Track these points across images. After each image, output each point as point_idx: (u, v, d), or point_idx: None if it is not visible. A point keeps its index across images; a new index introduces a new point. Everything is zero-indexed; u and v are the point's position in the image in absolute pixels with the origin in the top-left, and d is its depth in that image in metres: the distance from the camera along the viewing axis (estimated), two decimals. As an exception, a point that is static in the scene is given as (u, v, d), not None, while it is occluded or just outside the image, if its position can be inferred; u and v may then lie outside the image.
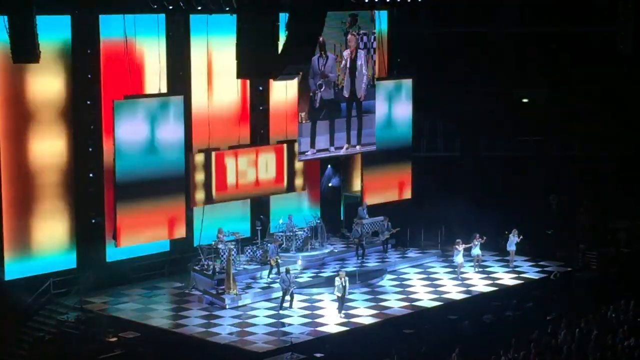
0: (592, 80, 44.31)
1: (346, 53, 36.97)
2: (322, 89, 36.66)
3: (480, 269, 35.34)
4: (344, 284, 30.99)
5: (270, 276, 34.21)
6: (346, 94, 37.26)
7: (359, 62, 37.43)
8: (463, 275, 34.92)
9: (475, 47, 43.82)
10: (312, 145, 36.82)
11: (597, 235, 38.10)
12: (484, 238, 35.23)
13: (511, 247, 35.83)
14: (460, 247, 34.52)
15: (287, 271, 32.08)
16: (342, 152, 37.88)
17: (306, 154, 36.78)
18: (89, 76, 32.80)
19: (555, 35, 44.32)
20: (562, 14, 43.04)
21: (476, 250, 35.05)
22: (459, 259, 34.62)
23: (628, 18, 39.29)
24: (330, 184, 40.12)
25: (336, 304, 31.48)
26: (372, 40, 37.90)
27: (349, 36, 37.00)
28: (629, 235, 38.18)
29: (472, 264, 35.28)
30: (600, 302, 30.34)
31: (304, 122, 36.48)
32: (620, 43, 39.52)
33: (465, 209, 38.82)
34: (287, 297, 31.75)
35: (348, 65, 37.18)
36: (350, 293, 31.90)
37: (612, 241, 37.84)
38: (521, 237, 35.72)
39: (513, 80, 44.54)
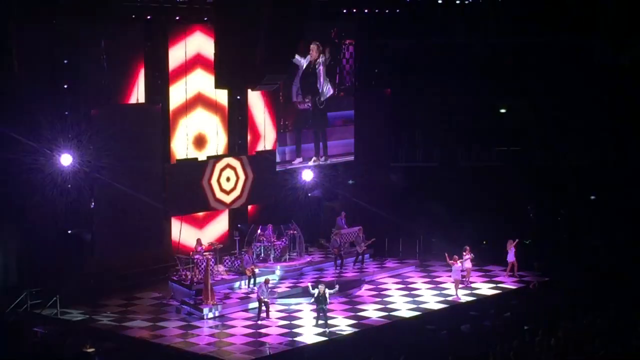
0: (570, 90, 44.47)
1: (303, 61, 36.87)
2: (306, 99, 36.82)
3: (467, 284, 35.06)
4: (321, 294, 30.88)
5: (250, 286, 34.19)
6: (308, 104, 37.21)
7: (318, 73, 37.36)
8: (442, 286, 35.02)
9: (454, 58, 43.88)
10: (298, 154, 36.92)
11: (574, 245, 38.19)
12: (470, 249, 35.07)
13: (511, 258, 35.80)
14: (458, 264, 34.15)
15: (266, 282, 32.07)
16: (310, 163, 37.88)
17: (293, 163, 36.85)
18: (65, 87, 32.69)
19: (533, 45, 44.44)
20: (540, 25, 43.15)
21: (466, 264, 34.90)
22: (456, 275, 34.14)
23: (607, 27, 39.54)
24: (310, 194, 40.16)
25: (314, 315, 31.44)
26: (350, 51, 38.02)
27: (312, 45, 37.04)
28: (607, 245, 38.29)
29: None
30: (577, 312, 30.42)
31: (289, 130, 36.55)
32: (600, 52, 39.77)
33: (444, 220, 38.94)
34: (263, 308, 31.74)
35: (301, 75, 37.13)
36: (329, 303, 31.79)
37: (589, 251, 37.95)
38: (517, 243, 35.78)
39: (491, 90, 44.63)
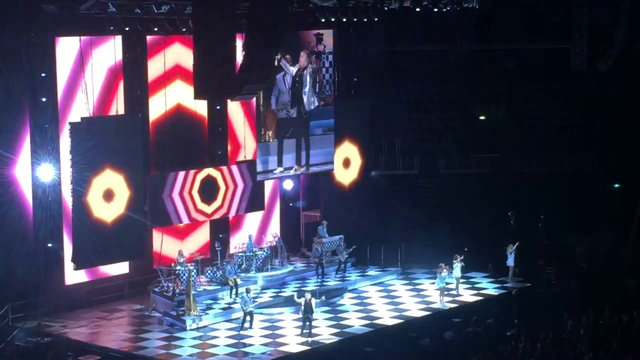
0: (548, 96, 44.67)
1: (292, 69, 36.87)
2: (290, 108, 36.77)
3: (457, 291, 34.99)
4: (306, 304, 30.81)
5: (232, 296, 34.13)
6: (293, 112, 37.20)
7: (305, 80, 37.33)
8: (425, 293, 35.10)
9: (432, 65, 44.02)
10: (280, 164, 36.88)
11: (555, 251, 38.31)
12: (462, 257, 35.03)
13: (511, 263, 35.87)
14: (445, 272, 34.06)
15: (248, 291, 32.04)
16: (291, 172, 37.80)
17: (274, 172, 36.81)
18: (44, 100, 32.59)
19: (511, 52, 44.63)
20: (518, 31, 43.36)
21: (457, 272, 34.81)
22: (440, 283, 34.07)
23: (582, 35, 39.74)
24: (291, 204, 40.17)
25: (299, 325, 31.39)
26: (330, 60, 38.02)
27: (301, 53, 37.02)
28: (587, 251, 38.42)
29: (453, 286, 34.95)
30: (559, 317, 30.52)
31: (271, 140, 36.48)
32: (575, 59, 39.95)
33: (425, 227, 39.00)
34: (248, 317, 31.68)
35: (290, 83, 37.03)
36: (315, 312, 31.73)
37: (570, 257, 38.07)
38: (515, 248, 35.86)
39: (470, 97, 44.79)
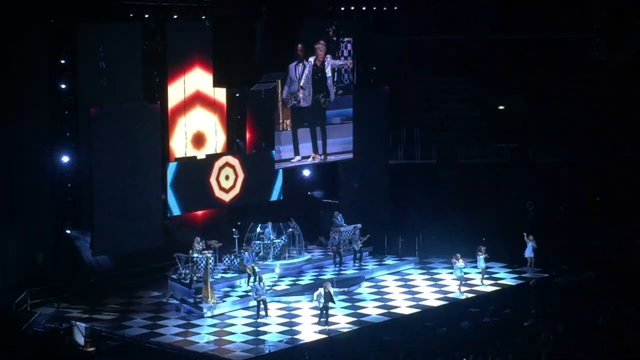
0: (567, 86, 44.52)
1: (310, 60, 36.83)
2: (300, 97, 36.73)
3: (485, 282, 34.99)
4: (325, 293, 30.81)
5: (250, 284, 34.21)
6: (310, 102, 37.16)
7: (327, 70, 37.29)
8: (442, 282, 35.08)
9: (452, 54, 43.94)
10: (296, 152, 36.91)
11: (573, 242, 38.21)
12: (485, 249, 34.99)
13: (529, 254, 35.82)
14: (461, 262, 34.15)
15: (260, 280, 32.09)
16: (309, 161, 37.81)
17: (291, 161, 36.84)
18: (63, 86, 32.67)
19: (530, 42, 44.52)
20: (538, 21, 43.25)
21: (481, 263, 34.77)
22: (458, 273, 34.00)
23: (603, 25, 39.64)
24: (309, 193, 40.18)
25: (316, 314, 31.43)
26: (349, 49, 37.99)
27: (319, 42, 36.93)
28: (605, 241, 38.33)
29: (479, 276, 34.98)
30: (577, 308, 30.46)
31: (288, 129, 36.51)
32: (595, 50, 39.87)
33: (443, 217, 38.96)
34: (262, 306, 31.73)
35: (309, 73, 36.96)
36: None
37: (588, 248, 37.97)
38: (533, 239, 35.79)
39: (489, 87, 44.68)
